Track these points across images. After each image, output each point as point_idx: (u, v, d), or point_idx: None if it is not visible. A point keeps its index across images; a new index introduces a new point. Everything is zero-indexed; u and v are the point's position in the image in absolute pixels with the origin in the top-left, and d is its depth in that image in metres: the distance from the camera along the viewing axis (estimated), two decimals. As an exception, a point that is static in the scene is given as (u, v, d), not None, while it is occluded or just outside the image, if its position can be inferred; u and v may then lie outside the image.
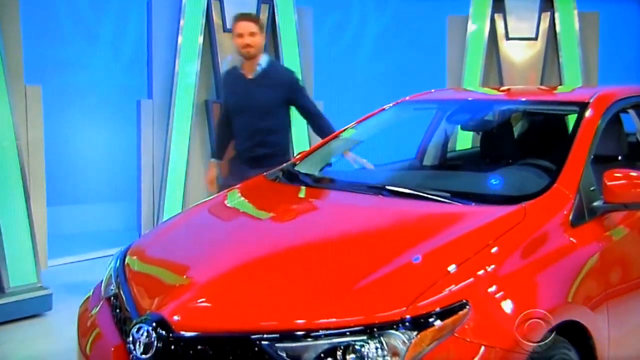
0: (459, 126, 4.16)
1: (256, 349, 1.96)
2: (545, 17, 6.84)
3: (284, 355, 1.94)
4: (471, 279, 2.11)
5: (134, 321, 2.16)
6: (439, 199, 2.67)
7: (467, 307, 2.01)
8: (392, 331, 1.94)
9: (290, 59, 6.30)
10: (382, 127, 3.69)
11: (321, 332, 1.95)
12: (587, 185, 2.62)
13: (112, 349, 2.26)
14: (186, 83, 5.83)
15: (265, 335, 1.97)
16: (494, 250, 2.23)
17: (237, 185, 3.36)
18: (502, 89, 4.85)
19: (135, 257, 2.63)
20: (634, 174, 2.57)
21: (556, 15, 6.82)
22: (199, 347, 2.02)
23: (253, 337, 1.97)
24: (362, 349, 1.92)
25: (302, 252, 2.42)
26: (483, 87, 6.53)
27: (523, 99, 3.74)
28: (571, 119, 3.16)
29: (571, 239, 2.45)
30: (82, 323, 2.60)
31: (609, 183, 2.54)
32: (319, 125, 4.34)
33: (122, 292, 2.42)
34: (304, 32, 6.49)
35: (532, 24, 6.83)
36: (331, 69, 7.71)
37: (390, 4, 8.54)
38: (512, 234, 2.32)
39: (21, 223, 4.52)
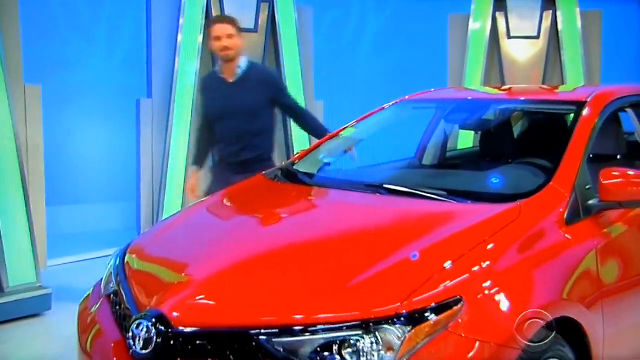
0: (458, 125, 4.18)
1: (254, 343, 1.99)
2: (548, 16, 6.79)
3: (282, 349, 1.97)
4: (466, 275, 2.13)
5: (134, 317, 2.18)
6: (435, 197, 2.69)
7: (462, 302, 2.03)
8: (388, 326, 1.96)
9: (291, 58, 6.30)
10: (381, 126, 3.70)
11: (318, 327, 1.97)
12: (582, 184, 2.64)
13: (112, 344, 2.28)
14: (186, 82, 5.83)
15: (263, 331, 1.99)
16: (489, 247, 2.26)
17: (236, 184, 3.37)
18: (501, 88, 4.85)
19: (134, 256, 2.66)
20: (630, 172, 2.59)
21: (558, 13, 6.77)
22: (198, 342, 2.05)
23: (251, 332, 2.00)
24: (358, 344, 1.94)
25: (300, 249, 2.44)
26: (484, 86, 6.50)
27: (521, 99, 3.76)
28: (570, 118, 3.17)
29: (566, 236, 2.47)
30: (82, 320, 2.62)
31: (604, 182, 2.56)
32: (307, 122, 4.30)
33: (122, 290, 2.44)
34: (304, 31, 6.49)
35: (534, 23, 6.78)
36: (331, 68, 7.71)
37: (391, 3, 8.52)
38: (507, 231, 2.34)
39: (20, 223, 4.53)
